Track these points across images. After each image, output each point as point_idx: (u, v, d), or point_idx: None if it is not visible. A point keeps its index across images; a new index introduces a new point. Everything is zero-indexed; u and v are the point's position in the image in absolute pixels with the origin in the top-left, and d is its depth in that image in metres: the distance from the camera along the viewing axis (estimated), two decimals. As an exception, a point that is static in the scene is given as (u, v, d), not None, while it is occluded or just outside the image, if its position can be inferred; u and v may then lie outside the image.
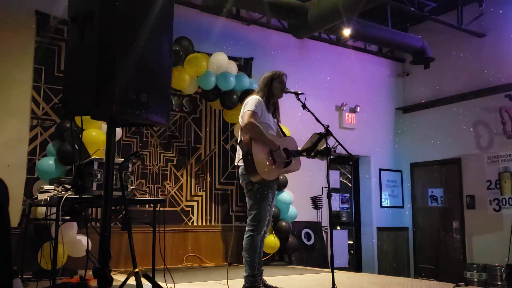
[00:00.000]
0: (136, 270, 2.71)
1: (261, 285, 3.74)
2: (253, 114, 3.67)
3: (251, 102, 3.74)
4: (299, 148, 3.94)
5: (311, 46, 8.01)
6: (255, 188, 3.69)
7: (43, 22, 5.57)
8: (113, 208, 3.85)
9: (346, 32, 7.21)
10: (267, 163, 3.65)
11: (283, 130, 4.16)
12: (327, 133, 3.62)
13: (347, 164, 8.56)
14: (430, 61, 8.21)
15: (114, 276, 2.77)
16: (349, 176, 8.72)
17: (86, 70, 2.17)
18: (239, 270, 4.19)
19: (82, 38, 2.22)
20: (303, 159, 4.05)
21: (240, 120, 3.79)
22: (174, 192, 6.31)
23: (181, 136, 6.49)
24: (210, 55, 6.21)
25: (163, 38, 2.46)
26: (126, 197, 3.15)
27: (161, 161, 6.28)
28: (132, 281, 2.75)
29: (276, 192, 6.31)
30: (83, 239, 4.89)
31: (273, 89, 3.88)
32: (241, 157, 3.70)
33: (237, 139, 6.57)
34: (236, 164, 3.82)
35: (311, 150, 3.73)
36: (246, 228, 3.78)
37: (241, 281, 4.08)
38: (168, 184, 6.28)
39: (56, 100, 5.56)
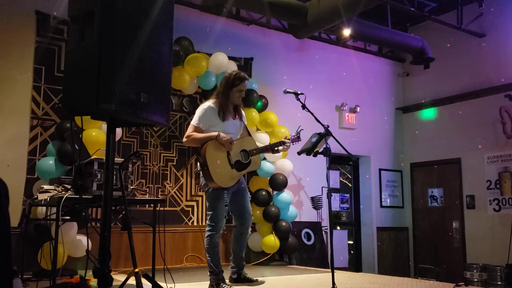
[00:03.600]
0: (136, 270, 2.71)
1: (225, 284, 3.80)
2: (195, 128, 3.80)
3: (197, 114, 3.85)
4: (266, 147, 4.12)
5: (311, 46, 8.01)
6: (210, 190, 3.82)
7: (43, 22, 5.56)
8: (113, 208, 3.85)
9: (346, 32, 7.21)
10: (224, 171, 3.77)
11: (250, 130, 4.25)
12: (327, 133, 3.63)
13: (347, 164, 8.57)
14: (430, 61, 8.21)
15: (114, 276, 2.77)
16: (349, 176, 8.72)
17: (86, 70, 2.17)
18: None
19: (82, 38, 2.22)
20: (303, 158, 4.08)
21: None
22: (174, 192, 6.31)
23: (181, 136, 6.49)
24: (210, 55, 6.21)
25: (163, 38, 2.45)
26: (126, 197, 3.15)
27: (161, 161, 6.28)
28: (132, 281, 2.75)
29: (276, 192, 6.38)
30: (83, 239, 4.89)
31: (231, 98, 3.89)
32: (199, 168, 3.85)
33: None
34: (197, 170, 3.95)
35: (311, 150, 3.74)
36: (206, 229, 3.89)
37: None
38: (168, 184, 6.28)
39: (56, 100, 5.56)
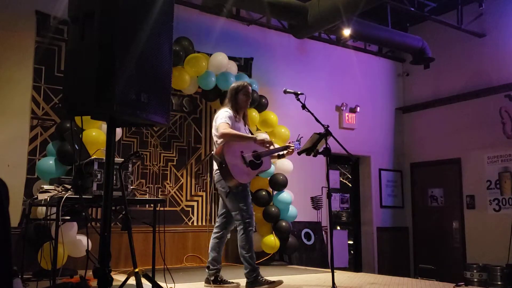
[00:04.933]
0: (136, 270, 2.71)
1: (263, 278, 3.92)
2: (226, 124, 3.97)
3: (222, 115, 4.04)
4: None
5: (311, 46, 8.01)
6: (233, 190, 3.96)
7: (43, 22, 5.57)
8: (113, 208, 3.85)
9: (346, 32, 7.21)
10: (241, 168, 3.94)
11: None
12: (327, 133, 3.63)
13: (347, 164, 8.57)
14: (430, 61, 8.21)
15: (114, 276, 2.77)
16: (349, 176, 8.73)
17: (86, 70, 2.17)
18: (238, 270, 4.19)
19: (82, 38, 2.22)
20: (303, 158, 4.09)
21: (215, 132, 4.05)
22: (174, 192, 6.31)
23: (181, 136, 6.49)
24: (210, 55, 6.21)
25: (163, 38, 2.45)
26: (126, 197, 3.15)
27: (161, 161, 6.28)
28: (132, 281, 2.75)
29: (276, 192, 6.39)
30: (83, 239, 4.89)
31: (239, 101, 4.16)
32: (216, 167, 3.99)
33: None
34: (214, 174, 4.12)
35: (311, 150, 3.75)
36: (238, 228, 3.97)
37: (240, 281, 4.10)
38: (168, 184, 6.28)
39: (56, 100, 5.56)
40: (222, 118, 4.01)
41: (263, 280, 3.88)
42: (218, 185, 4.04)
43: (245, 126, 4.26)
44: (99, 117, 2.47)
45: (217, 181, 4.04)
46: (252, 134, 4.40)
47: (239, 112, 4.19)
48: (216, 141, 4.03)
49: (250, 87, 4.23)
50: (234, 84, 4.28)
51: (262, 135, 4.10)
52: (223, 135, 3.93)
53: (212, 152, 4.11)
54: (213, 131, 4.09)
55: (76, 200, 3.45)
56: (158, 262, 3.78)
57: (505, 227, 7.15)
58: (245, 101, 4.20)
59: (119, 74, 2.17)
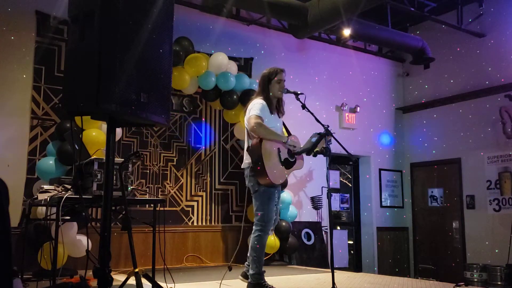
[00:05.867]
0: (136, 270, 2.71)
1: (267, 283, 3.81)
2: (258, 117, 3.74)
3: (256, 106, 3.80)
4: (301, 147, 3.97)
5: (311, 46, 8.01)
6: (261, 189, 3.77)
7: (43, 22, 5.57)
8: (113, 208, 3.85)
9: (346, 32, 7.21)
10: (277, 167, 3.74)
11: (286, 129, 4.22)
12: (327, 133, 3.63)
13: (347, 164, 8.57)
14: (430, 61, 8.22)
15: (114, 276, 2.77)
16: (349, 176, 8.72)
17: (86, 70, 2.17)
18: (239, 270, 4.19)
19: (82, 38, 2.22)
20: (303, 159, 4.08)
21: (246, 124, 3.85)
22: (174, 192, 6.31)
23: (181, 136, 6.49)
24: (210, 55, 6.21)
25: (163, 38, 2.46)
26: (126, 197, 3.14)
27: (161, 161, 6.28)
28: (132, 281, 2.75)
29: (277, 192, 6.37)
30: (83, 239, 4.89)
31: (272, 90, 3.91)
32: (249, 161, 3.77)
33: (237, 139, 6.57)
34: (243, 166, 3.90)
35: (311, 150, 3.74)
36: (254, 228, 3.85)
37: (238, 281, 4.10)
38: (168, 184, 6.28)
39: (56, 100, 5.56)
40: (255, 110, 3.76)
41: (266, 285, 3.78)
42: (247, 180, 3.84)
43: (279, 117, 4.01)
44: (99, 117, 2.48)
45: (248, 175, 3.83)
46: (285, 127, 4.12)
47: (273, 101, 3.93)
48: (249, 132, 3.82)
49: (283, 73, 3.93)
50: (265, 71, 4.00)
51: (294, 140, 3.84)
52: (253, 131, 3.72)
53: (248, 145, 3.84)
54: (245, 122, 3.87)
55: (76, 200, 3.45)
56: (158, 262, 3.78)
57: (505, 227, 7.15)
58: (278, 89, 3.90)
59: (119, 74, 2.17)
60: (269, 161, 3.70)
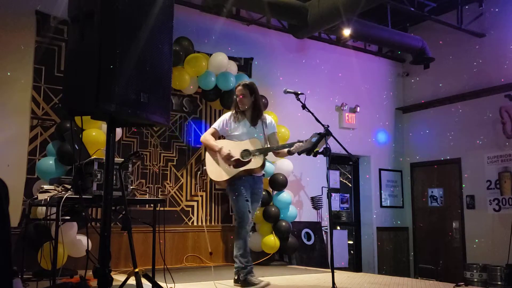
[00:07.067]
0: (136, 270, 2.71)
1: (252, 278, 3.94)
2: (211, 129, 4.32)
3: (218, 119, 4.38)
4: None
5: (311, 46, 8.01)
6: (228, 188, 4.14)
7: (43, 22, 5.56)
8: (113, 208, 3.85)
9: (346, 32, 7.21)
10: (217, 167, 4.17)
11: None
12: (327, 133, 3.63)
13: (347, 164, 8.57)
14: (430, 61, 8.21)
15: (114, 276, 2.77)
16: (349, 176, 8.72)
17: (86, 70, 2.17)
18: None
19: (82, 38, 2.22)
20: (303, 158, 4.09)
21: None
22: (174, 192, 6.31)
23: (181, 136, 6.49)
24: (210, 55, 6.21)
25: (163, 38, 2.46)
26: (126, 197, 3.15)
27: (161, 161, 6.28)
28: (132, 281, 2.75)
29: (276, 192, 6.39)
30: (83, 239, 4.89)
31: (234, 102, 4.37)
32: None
33: None
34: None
35: (311, 150, 3.74)
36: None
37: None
38: (168, 184, 6.28)
39: (56, 100, 5.56)
40: (215, 123, 4.36)
41: (253, 280, 3.90)
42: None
43: (253, 126, 4.25)
44: (99, 117, 2.47)
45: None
46: (270, 137, 4.36)
47: (239, 112, 4.27)
48: None
49: (240, 86, 4.27)
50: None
51: (226, 151, 4.10)
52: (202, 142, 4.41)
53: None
54: None
55: (76, 200, 3.45)
56: (158, 262, 3.77)
57: (505, 227, 7.15)
58: (237, 102, 4.28)
59: (119, 74, 2.17)
60: (210, 164, 4.20)
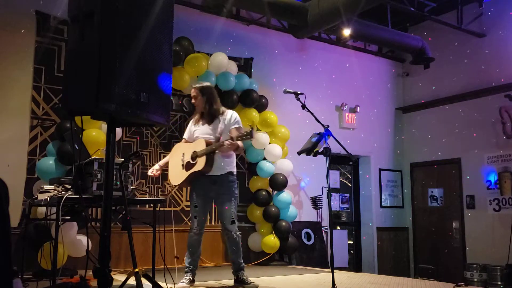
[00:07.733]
0: (136, 270, 2.71)
1: (188, 278, 4.07)
2: (183, 140, 4.45)
3: None
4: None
5: (311, 46, 8.01)
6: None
7: (43, 22, 5.56)
8: (113, 208, 3.85)
9: (346, 32, 7.21)
10: (175, 170, 4.30)
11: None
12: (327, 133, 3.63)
13: (347, 164, 8.57)
14: (430, 61, 8.21)
15: (114, 276, 2.77)
16: (349, 176, 8.72)
17: (86, 70, 2.17)
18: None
19: (82, 38, 2.22)
20: (303, 158, 4.08)
21: None
22: (174, 192, 6.31)
23: (181, 136, 6.48)
24: (210, 55, 6.21)
25: (163, 38, 2.45)
26: (126, 197, 3.15)
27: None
28: (132, 281, 2.75)
29: (276, 192, 6.38)
30: (83, 239, 4.89)
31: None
32: None
33: None
34: None
35: (311, 150, 3.74)
36: None
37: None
38: (168, 184, 6.27)
39: (56, 100, 5.56)
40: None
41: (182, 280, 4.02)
42: None
43: (209, 125, 4.21)
44: (99, 117, 2.47)
45: None
46: (219, 131, 4.23)
47: (199, 114, 4.32)
48: None
49: (192, 89, 4.32)
50: None
51: (156, 167, 4.37)
52: None
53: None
54: None
55: (76, 200, 3.45)
56: (158, 262, 3.78)
57: (505, 227, 7.15)
58: (192, 103, 4.38)
59: (119, 74, 2.17)
60: (170, 168, 4.37)
